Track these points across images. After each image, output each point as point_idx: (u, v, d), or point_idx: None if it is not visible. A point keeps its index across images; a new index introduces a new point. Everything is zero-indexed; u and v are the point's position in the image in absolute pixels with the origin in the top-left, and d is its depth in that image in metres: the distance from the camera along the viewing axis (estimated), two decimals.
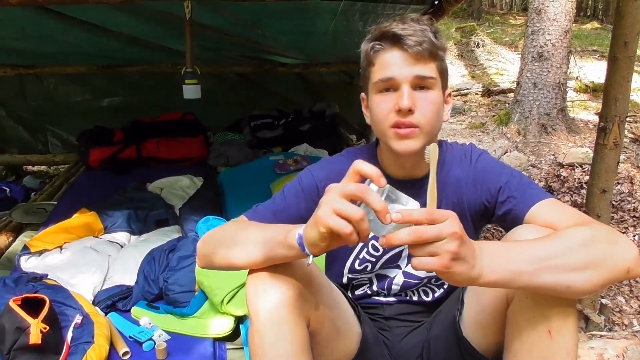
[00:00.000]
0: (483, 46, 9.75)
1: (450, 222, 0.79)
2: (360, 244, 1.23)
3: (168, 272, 1.92)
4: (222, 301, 1.72)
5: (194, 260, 1.88)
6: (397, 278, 1.27)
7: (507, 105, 6.21)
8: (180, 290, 1.87)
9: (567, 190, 3.69)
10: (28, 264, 2.12)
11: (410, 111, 1.04)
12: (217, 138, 3.89)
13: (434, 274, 1.23)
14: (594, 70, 7.52)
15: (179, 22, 2.59)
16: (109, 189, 2.92)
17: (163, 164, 3.49)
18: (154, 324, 1.74)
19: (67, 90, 3.96)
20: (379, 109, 1.08)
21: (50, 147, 4.12)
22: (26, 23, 2.72)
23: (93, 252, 2.17)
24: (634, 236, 3.12)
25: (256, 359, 0.97)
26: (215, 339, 1.71)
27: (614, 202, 3.35)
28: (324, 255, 1.17)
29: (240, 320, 1.76)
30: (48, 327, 1.45)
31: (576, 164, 3.90)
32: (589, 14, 16.09)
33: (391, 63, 1.05)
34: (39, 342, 1.41)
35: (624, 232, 3.13)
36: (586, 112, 6.11)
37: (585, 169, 3.74)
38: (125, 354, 1.60)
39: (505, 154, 4.75)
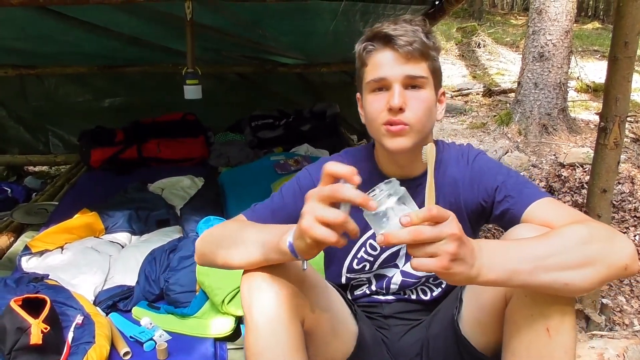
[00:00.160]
0: (484, 46, 9.75)
1: (450, 223, 0.79)
2: (358, 244, 1.24)
3: (169, 273, 1.92)
4: (223, 301, 1.72)
5: (195, 260, 1.88)
6: (396, 277, 1.27)
7: (508, 105, 6.21)
8: (181, 290, 1.88)
9: (568, 190, 3.69)
10: (29, 264, 2.12)
11: (401, 110, 1.06)
12: (218, 138, 3.90)
13: (432, 273, 1.24)
14: (595, 70, 7.52)
15: (179, 23, 2.60)
16: (110, 189, 2.92)
17: (164, 164, 3.49)
18: (155, 324, 1.75)
19: (68, 90, 3.97)
20: (372, 108, 1.10)
21: (52, 147, 4.13)
22: (27, 23, 2.72)
23: (94, 253, 2.17)
24: (635, 236, 3.12)
25: (251, 357, 0.98)
26: (216, 339, 1.71)
27: (614, 202, 3.35)
28: (321, 255, 1.17)
29: (241, 320, 1.76)
30: (49, 328, 1.45)
31: (577, 164, 3.90)
32: (590, 14, 16.08)
33: (383, 63, 1.07)
34: (40, 342, 1.41)
35: (624, 232, 3.13)
36: (587, 112, 6.11)
37: (586, 169, 3.74)
38: (126, 354, 1.60)
39: (506, 154, 4.75)
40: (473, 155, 1.20)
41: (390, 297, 1.30)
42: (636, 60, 2.04)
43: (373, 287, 1.30)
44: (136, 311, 1.85)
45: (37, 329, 1.42)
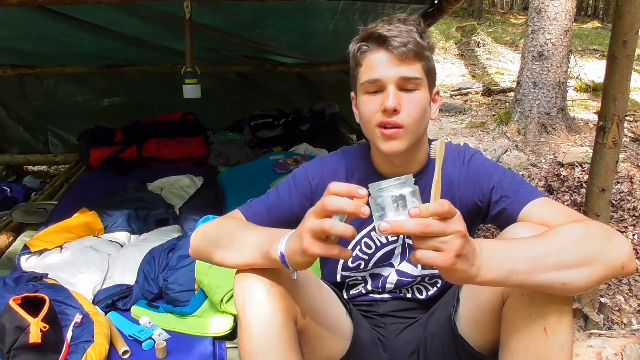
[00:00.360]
0: (483, 45, 9.75)
1: (457, 220, 0.80)
2: (353, 243, 1.24)
3: (168, 272, 1.93)
4: (222, 300, 1.73)
5: (194, 259, 1.89)
6: (391, 277, 1.27)
7: (507, 104, 6.21)
8: (180, 289, 1.88)
9: (567, 190, 3.69)
10: (28, 264, 2.13)
11: (395, 111, 1.06)
12: (217, 138, 3.90)
13: (427, 272, 1.25)
14: (595, 70, 7.52)
15: (179, 22, 2.60)
16: (109, 188, 2.93)
17: (163, 163, 3.50)
18: (154, 323, 1.75)
19: (68, 90, 3.97)
20: (366, 109, 1.10)
21: (51, 147, 4.13)
22: (26, 23, 2.72)
23: (93, 252, 2.17)
24: (634, 235, 3.12)
25: (245, 356, 0.99)
26: (215, 338, 1.71)
27: (613, 201, 3.35)
28: None
29: None
30: (48, 326, 1.46)
31: (576, 163, 3.90)
32: (589, 13, 16.08)
33: (377, 64, 1.07)
34: (39, 341, 1.41)
35: (623, 232, 3.13)
36: (586, 111, 6.11)
37: (585, 168, 3.74)
38: (125, 352, 1.60)
39: (505, 153, 4.75)
40: (469, 155, 1.21)
41: (385, 296, 1.31)
42: (635, 60, 2.04)
43: (369, 287, 1.30)
44: (135, 310, 1.85)
45: (36, 328, 1.42)
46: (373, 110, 1.08)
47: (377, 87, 1.08)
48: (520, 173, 4.20)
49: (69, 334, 1.55)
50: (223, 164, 3.55)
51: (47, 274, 1.94)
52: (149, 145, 3.53)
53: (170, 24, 2.81)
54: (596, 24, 13.23)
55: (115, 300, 1.90)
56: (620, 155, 2.62)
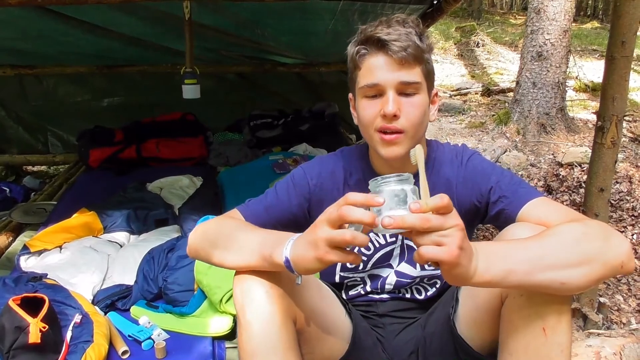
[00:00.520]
0: (483, 46, 9.75)
1: (454, 215, 0.81)
2: None
3: (167, 272, 1.93)
4: (221, 300, 1.73)
5: (193, 260, 1.89)
6: (390, 277, 1.28)
7: (506, 104, 6.21)
8: (180, 289, 1.88)
9: (566, 190, 3.70)
10: (28, 264, 2.13)
11: (395, 116, 1.05)
12: (217, 138, 3.90)
13: (426, 273, 1.25)
14: (594, 70, 7.52)
15: (178, 23, 2.60)
16: (108, 189, 2.93)
17: (163, 164, 3.49)
18: (153, 323, 1.75)
19: (67, 90, 3.97)
20: (365, 113, 1.10)
21: (50, 147, 4.13)
22: (26, 23, 2.73)
23: (92, 252, 2.18)
24: (632, 235, 3.12)
25: (244, 356, 0.99)
26: (214, 338, 1.71)
27: (612, 201, 3.35)
28: None
29: None
30: (47, 327, 1.46)
31: (575, 163, 3.90)
32: (589, 13, 16.09)
33: (376, 68, 1.06)
34: (39, 341, 1.41)
35: (622, 231, 3.13)
36: (585, 111, 6.11)
37: (584, 168, 3.74)
38: (124, 353, 1.60)
39: (504, 153, 4.75)
40: (467, 156, 1.21)
41: (384, 296, 1.31)
42: (634, 60, 2.04)
43: (368, 288, 1.30)
44: (134, 310, 1.85)
45: (35, 328, 1.42)
46: (372, 115, 1.08)
47: (377, 92, 1.07)
48: (520, 173, 4.21)
49: (68, 334, 1.55)
50: (223, 164, 3.55)
51: (47, 274, 1.94)
52: (148, 146, 3.53)
53: (170, 24, 2.81)
54: (595, 24, 13.24)
55: (114, 300, 1.90)
56: (619, 155, 2.63)
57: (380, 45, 1.04)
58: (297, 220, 1.20)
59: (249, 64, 3.99)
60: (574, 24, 5.53)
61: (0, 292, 1.70)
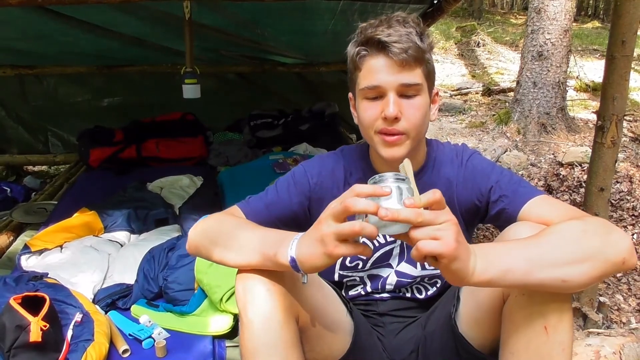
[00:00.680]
0: (483, 45, 9.75)
1: (447, 211, 0.83)
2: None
3: (167, 271, 1.93)
4: (221, 299, 1.73)
5: (194, 258, 1.89)
6: (390, 277, 1.28)
7: (507, 104, 6.21)
8: (180, 288, 1.88)
9: (567, 189, 3.70)
10: (28, 263, 2.13)
11: (396, 119, 1.05)
12: (216, 138, 3.90)
13: (427, 272, 1.25)
14: (595, 70, 7.52)
15: (178, 23, 2.61)
16: (109, 188, 2.93)
17: (163, 163, 3.50)
18: (154, 322, 1.75)
19: (67, 90, 3.98)
20: (366, 115, 1.09)
21: (51, 147, 4.13)
22: (26, 23, 2.73)
23: (93, 251, 2.18)
24: (633, 235, 3.13)
25: (246, 354, 0.99)
26: (214, 337, 1.72)
27: (613, 201, 3.35)
28: None
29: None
30: (48, 325, 1.46)
31: (575, 163, 3.90)
32: (590, 13, 16.09)
33: (377, 70, 1.05)
34: (39, 340, 1.42)
35: None
36: (586, 111, 6.11)
37: (585, 168, 3.74)
38: (125, 351, 1.61)
39: (505, 153, 4.75)
40: (467, 155, 1.21)
41: (385, 295, 1.31)
42: (634, 59, 2.05)
43: (368, 288, 1.30)
44: (135, 309, 1.85)
45: (36, 327, 1.43)
46: (373, 117, 1.08)
47: (377, 94, 1.07)
48: (520, 173, 4.21)
49: (69, 333, 1.55)
50: (223, 164, 3.55)
51: (48, 274, 1.94)
52: (148, 145, 3.54)
53: (170, 24, 2.82)
54: (596, 24, 13.24)
55: (115, 299, 1.90)
56: (619, 155, 2.63)
57: (381, 47, 1.04)
58: (298, 218, 1.20)
59: (249, 64, 3.99)
60: (574, 24, 5.53)
61: (1, 291, 1.70)
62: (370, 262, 1.26)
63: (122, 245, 2.36)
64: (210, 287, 1.77)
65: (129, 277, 2.01)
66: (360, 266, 1.27)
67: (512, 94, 6.04)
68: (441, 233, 0.80)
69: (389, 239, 1.25)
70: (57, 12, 2.60)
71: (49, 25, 2.73)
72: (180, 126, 3.74)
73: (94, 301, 1.89)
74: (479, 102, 6.97)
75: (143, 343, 1.65)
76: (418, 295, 1.30)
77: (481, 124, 5.91)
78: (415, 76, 1.05)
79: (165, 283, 1.90)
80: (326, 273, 1.30)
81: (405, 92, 1.06)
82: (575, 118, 5.57)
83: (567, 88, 5.43)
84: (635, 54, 2.02)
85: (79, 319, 1.61)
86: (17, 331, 1.43)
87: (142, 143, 3.53)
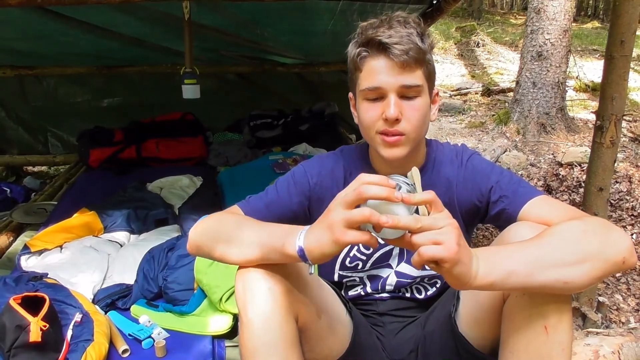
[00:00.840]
0: (483, 46, 9.76)
1: (447, 214, 0.83)
2: None
3: (167, 271, 1.93)
4: (221, 299, 1.73)
5: (193, 258, 1.89)
6: (390, 278, 1.28)
7: (506, 104, 6.21)
8: (179, 288, 1.88)
9: (566, 189, 3.70)
10: (28, 263, 2.13)
11: (397, 120, 1.05)
12: (216, 138, 3.91)
13: (426, 273, 1.25)
14: (594, 70, 7.52)
15: (178, 23, 2.61)
16: (109, 189, 2.93)
17: (163, 164, 3.50)
18: (153, 322, 1.76)
19: (67, 90, 3.98)
20: (367, 116, 1.09)
21: (51, 147, 4.14)
22: (26, 24, 2.73)
23: (93, 252, 2.18)
24: (632, 235, 3.13)
25: (245, 353, 0.99)
26: (214, 337, 1.72)
27: (612, 201, 3.36)
28: None
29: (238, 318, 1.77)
30: (48, 325, 1.46)
31: (575, 163, 3.90)
32: (589, 13, 16.09)
33: (377, 71, 1.05)
34: (39, 340, 1.42)
35: None
36: (586, 111, 6.11)
37: (584, 168, 3.74)
38: (124, 351, 1.61)
39: (504, 153, 4.76)
40: (467, 156, 1.21)
41: (384, 295, 1.31)
42: (634, 59, 2.05)
43: (368, 289, 1.31)
44: (135, 309, 1.85)
45: (36, 327, 1.43)
46: (374, 118, 1.08)
47: (378, 95, 1.07)
48: (520, 173, 4.21)
49: (69, 333, 1.55)
50: (222, 164, 3.55)
51: (47, 274, 1.94)
52: (148, 146, 3.54)
53: (169, 24, 2.82)
54: (596, 24, 13.24)
55: (114, 299, 1.90)
56: (619, 155, 2.63)
57: (382, 48, 1.04)
58: (298, 218, 1.20)
59: (249, 64, 3.99)
60: (574, 24, 5.54)
61: (1, 292, 1.70)
62: (370, 262, 1.27)
63: (121, 246, 2.36)
64: (210, 287, 1.77)
65: (129, 277, 2.02)
66: (360, 266, 1.27)
67: (511, 94, 6.04)
68: (442, 237, 0.81)
69: None
70: (57, 13, 2.60)
71: (49, 26, 2.73)
72: (180, 126, 3.74)
73: (94, 301, 1.89)
74: (479, 102, 6.97)
75: (143, 343, 1.66)
76: (418, 295, 1.31)
77: (481, 124, 5.91)
78: (415, 78, 1.06)
79: (165, 283, 1.90)
80: (326, 273, 1.30)
81: (406, 93, 1.06)
82: (574, 118, 5.57)
83: (566, 88, 5.44)
84: (634, 54, 2.02)
85: (79, 319, 1.61)
86: (17, 331, 1.43)
87: (142, 143, 3.53)
